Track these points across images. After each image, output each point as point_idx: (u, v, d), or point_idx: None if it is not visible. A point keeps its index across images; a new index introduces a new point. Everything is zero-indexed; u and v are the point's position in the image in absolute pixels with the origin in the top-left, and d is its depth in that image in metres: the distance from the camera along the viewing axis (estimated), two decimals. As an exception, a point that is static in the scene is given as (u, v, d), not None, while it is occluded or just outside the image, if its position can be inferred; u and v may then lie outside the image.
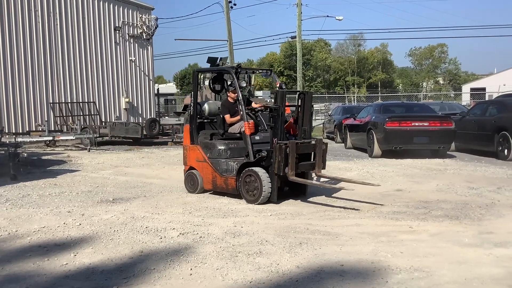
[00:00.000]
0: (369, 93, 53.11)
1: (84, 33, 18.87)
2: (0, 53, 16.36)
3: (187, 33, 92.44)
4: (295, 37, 30.89)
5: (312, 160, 7.11)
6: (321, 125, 23.12)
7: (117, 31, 20.00)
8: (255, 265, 4.18)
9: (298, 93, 7.49)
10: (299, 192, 7.22)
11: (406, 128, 11.58)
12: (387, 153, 12.08)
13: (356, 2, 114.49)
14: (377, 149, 12.10)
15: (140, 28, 20.82)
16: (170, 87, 67.70)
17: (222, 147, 7.31)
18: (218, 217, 6.00)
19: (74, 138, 14.99)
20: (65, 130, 17.11)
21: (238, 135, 7.31)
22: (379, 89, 63.56)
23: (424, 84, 73.44)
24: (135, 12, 20.76)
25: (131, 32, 20.62)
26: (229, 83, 8.16)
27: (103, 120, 18.93)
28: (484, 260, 4.29)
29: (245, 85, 7.67)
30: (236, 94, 7.35)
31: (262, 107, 7.55)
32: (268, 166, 6.66)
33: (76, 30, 18.62)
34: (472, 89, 46.08)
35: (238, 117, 7.41)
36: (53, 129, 16.49)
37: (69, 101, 18.24)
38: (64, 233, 5.29)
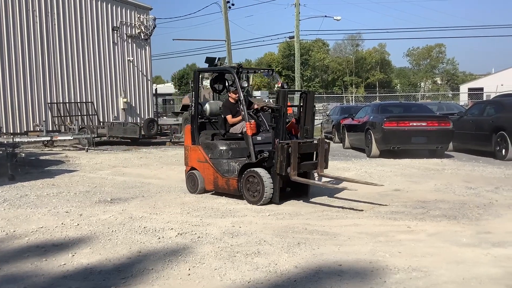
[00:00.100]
0: (367, 93, 53.12)
1: (82, 33, 18.85)
2: (-3, 53, 16.36)
3: (185, 33, 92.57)
4: (293, 37, 30.89)
5: (314, 159, 7.09)
6: (319, 125, 23.13)
7: (115, 31, 19.98)
8: (253, 265, 4.18)
9: (300, 92, 7.47)
10: (301, 192, 7.18)
11: (404, 128, 11.60)
12: (385, 153, 12.10)
13: (354, 2, 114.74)
14: (375, 149, 12.12)
15: (138, 28, 20.81)
16: (168, 87, 67.68)
17: (224, 148, 7.28)
18: (216, 217, 6.00)
19: (72, 138, 14.97)
20: (63, 130, 17.08)
21: (239, 135, 7.27)
22: (377, 89, 63.63)
23: (422, 84, 73.55)
24: (133, 12, 20.75)
25: (129, 32, 20.61)
26: (229, 83, 8.14)
27: (101, 120, 18.92)
28: (482, 260, 4.29)
29: (246, 85, 7.65)
30: (237, 95, 7.33)
31: (265, 108, 7.53)
32: (270, 167, 6.63)
33: (74, 30, 18.60)
34: (470, 89, 46.19)
35: (239, 118, 7.35)
36: (51, 129, 16.48)
37: (67, 101, 18.21)
38: (62, 234, 5.28)
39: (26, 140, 13.83)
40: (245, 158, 6.96)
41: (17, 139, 12.50)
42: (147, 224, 5.63)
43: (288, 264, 4.22)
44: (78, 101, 18.59)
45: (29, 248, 4.78)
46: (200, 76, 8.31)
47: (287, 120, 6.98)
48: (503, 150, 11.25)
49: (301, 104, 7.15)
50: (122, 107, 20.19)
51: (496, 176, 8.99)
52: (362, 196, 7.06)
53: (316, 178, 7.66)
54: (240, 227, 5.47)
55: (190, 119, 8.05)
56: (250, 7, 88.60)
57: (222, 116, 7.62)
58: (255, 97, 22.89)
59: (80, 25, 18.76)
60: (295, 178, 6.59)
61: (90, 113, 18.72)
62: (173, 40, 79.61)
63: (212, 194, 7.54)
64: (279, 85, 7.44)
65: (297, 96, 24.95)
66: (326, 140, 7.18)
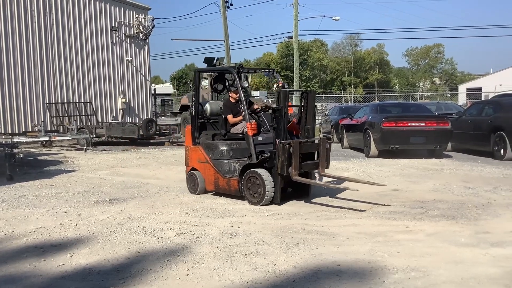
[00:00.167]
0: (365, 93, 53.16)
1: (81, 33, 18.82)
2: (-4, 53, 16.33)
3: (183, 33, 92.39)
4: (291, 37, 30.90)
5: (315, 159, 7.07)
6: (318, 125, 23.14)
7: (114, 31, 19.95)
8: (252, 265, 4.18)
9: (301, 92, 7.46)
10: (303, 193, 7.16)
11: (402, 128, 11.61)
12: (384, 153, 12.10)
13: (352, 2, 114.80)
14: (373, 149, 12.13)
15: (136, 28, 20.78)
16: (166, 87, 67.66)
17: (224, 148, 7.25)
18: (215, 217, 6.00)
19: (70, 138, 14.96)
20: (61, 130, 17.05)
21: (240, 135, 7.25)
22: (376, 89, 63.67)
23: (421, 84, 73.61)
24: (131, 12, 20.72)
25: (128, 32, 20.58)
26: (229, 83, 8.11)
27: (100, 120, 18.88)
28: (481, 260, 4.30)
29: (247, 85, 7.62)
30: (238, 94, 7.30)
31: (267, 108, 7.51)
32: (271, 167, 6.61)
33: (72, 30, 18.57)
34: (468, 89, 46.22)
35: (240, 117, 7.32)
36: (49, 129, 16.43)
37: (66, 101, 18.18)
38: (61, 234, 5.27)
39: (24, 140, 13.82)
40: (246, 159, 6.93)
41: (15, 139, 12.49)
42: (145, 224, 5.63)
43: (286, 264, 4.21)
44: (77, 101, 18.56)
45: (28, 249, 4.77)
46: (200, 76, 8.29)
47: (288, 120, 6.95)
48: (502, 150, 11.27)
49: (302, 103, 7.13)
50: (120, 107, 20.17)
51: (495, 176, 9.00)
52: (361, 196, 7.06)
53: (317, 178, 7.65)
54: (238, 227, 5.46)
55: (190, 119, 8.01)
56: (248, 7, 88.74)
57: (223, 116, 7.58)
58: (253, 97, 22.88)
59: (78, 25, 18.73)
60: (297, 178, 6.56)
61: (89, 113, 18.70)
62: (172, 40, 79.42)
63: (211, 194, 7.53)
64: (280, 85, 7.42)
65: (296, 96, 24.94)
66: (328, 140, 7.15)
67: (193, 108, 7.72)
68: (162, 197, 7.44)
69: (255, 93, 28.62)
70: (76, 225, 5.63)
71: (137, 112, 21.08)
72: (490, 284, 3.74)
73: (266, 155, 6.63)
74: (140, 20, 20.82)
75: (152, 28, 21.42)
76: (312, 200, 7.02)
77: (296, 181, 6.69)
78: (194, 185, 7.60)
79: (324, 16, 41.97)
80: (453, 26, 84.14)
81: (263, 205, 6.55)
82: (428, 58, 74.57)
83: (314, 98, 7.22)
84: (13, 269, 4.21)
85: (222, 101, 8.15)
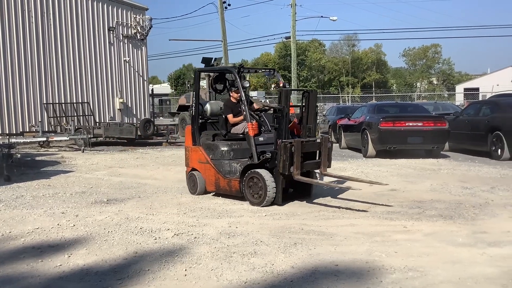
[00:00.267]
0: (363, 93, 53.25)
1: (78, 33, 18.79)
2: (-7, 54, 16.30)
3: (181, 33, 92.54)
4: (289, 37, 30.93)
5: (317, 158, 7.05)
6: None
7: (111, 32, 19.93)
8: (250, 266, 4.18)
9: (302, 92, 7.44)
10: (304, 193, 7.13)
11: (400, 128, 11.63)
12: (382, 153, 12.12)
13: (350, 3, 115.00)
14: (371, 149, 12.14)
15: (134, 29, 20.76)
16: (164, 88, 67.69)
17: (225, 148, 7.20)
18: (213, 218, 5.99)
19: (68, 138, 14.93)
20: (59, 130, 17.02)
21: (241, 135, 7.22)
22: (373, 89, 63.71)
23: (418, 84, 73.70)
24: (129, 13, 20.70)
25: (125, 33, 20.56)
26: (229, 83, 8.08)
27: (97, 120, 18.86)
28: (478, 260, 4.31)
29: (248, 85, 7.58)
30: (239, 94, 7.24)
31: (267, 108, 7.49)
32: (273, 168, 6.57)
33: (70, 31, 18.54)
34: (465, 89, 46.31)
35: (241, 117, 7.28)
36: (47, 129, 16.40)
37: (63, 102, 18.15)
38: (58, 234, 5.26)
39: (21, 140, 13.80)
40: (247, 159, 6.89)
41: (12, 140, 12.47)
42: (143, 224, 5.62)
43: (284, 264, 4.22)
44: (74, 101, 18.54)
45: (25, 249, 4.76)
46: (200, 76, 8.27)
47: (289, 120, 6.93)
48: (499, 150, 11.29)
49: (303, 103, 7.11)
50: (118, 108, 20.15)
51: (492, 176, 9.02)
52: (359, 196, 7.07)
53: (318, 178, 7.63)
54: (236, 227, 5.46)
55: (190, 120, 7.98)
56: (246, 7, 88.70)
57: (223, 116, 7.55)
58: (252, 97, 22.89)
59: (76, 25, 18.70)
60: (298, 177, 6.53)
61: (86, 114, 18.67)
62: (170, 40, 79.53)
63: (209, 194, 7.52)
64: (281, 84, 7.40)
65: (295, 96, 24.94)
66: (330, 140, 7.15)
67: (193, 108, 7.69)
68: (160, 197, 7.43)
69: (252, 93, 28.66)
70: (74, 225, 5.62)
71: (134, 113, 21.07)
72: (488, 284, 3.75)
73: (268, 155, 6.59)
74: (137, 20, 20.81)
75: (150, 28, 21.41)
76: (314, 201, 7.00)
77: (298, 181, 6.67)
78: (194, 186, 7.57)
79: (322, 17, 41.95)
80: (451, 26, 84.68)
81: (264, 206, 6.52)
82: (426, 58, 74.71)
83: (316, 97, 7.19)
84: (11, 269, 4.20)
85: (222, 101, 8.13)
